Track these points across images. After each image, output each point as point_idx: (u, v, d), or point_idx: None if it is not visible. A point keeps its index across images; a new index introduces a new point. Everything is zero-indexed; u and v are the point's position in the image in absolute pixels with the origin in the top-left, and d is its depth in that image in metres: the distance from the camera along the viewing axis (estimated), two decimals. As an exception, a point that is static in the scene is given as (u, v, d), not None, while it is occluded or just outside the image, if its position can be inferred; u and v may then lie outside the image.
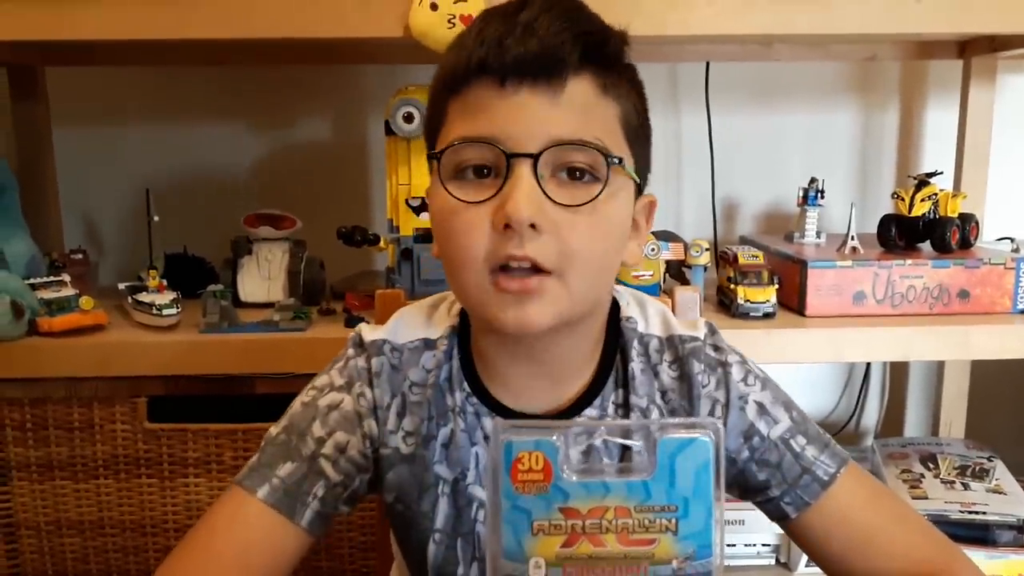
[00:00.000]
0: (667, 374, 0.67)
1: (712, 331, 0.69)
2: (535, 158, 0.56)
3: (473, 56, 0.57)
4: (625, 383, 0.66)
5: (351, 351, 0.68)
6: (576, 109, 0.57)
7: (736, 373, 0.67)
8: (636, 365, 0.66)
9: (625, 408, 0.66)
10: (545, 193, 0.56)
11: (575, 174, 0.57)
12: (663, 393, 0.67)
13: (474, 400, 0.66)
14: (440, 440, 0.65)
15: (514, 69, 0.56)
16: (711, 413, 0.66)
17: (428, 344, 0.67)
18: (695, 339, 0.67)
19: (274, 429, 0.67)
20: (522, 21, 0.56)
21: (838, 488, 0.65)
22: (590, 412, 0.65)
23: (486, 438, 0.65)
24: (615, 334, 0.67)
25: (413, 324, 0.69)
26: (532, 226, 0.55)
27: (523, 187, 0.55)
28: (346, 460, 0.65)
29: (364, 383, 0.66)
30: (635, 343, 0.67)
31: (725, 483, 0.47)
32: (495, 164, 0.57)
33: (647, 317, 0.69)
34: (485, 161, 0.57)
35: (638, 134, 0.62)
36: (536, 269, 0.56)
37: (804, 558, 1.24)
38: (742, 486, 0.68)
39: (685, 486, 0.45)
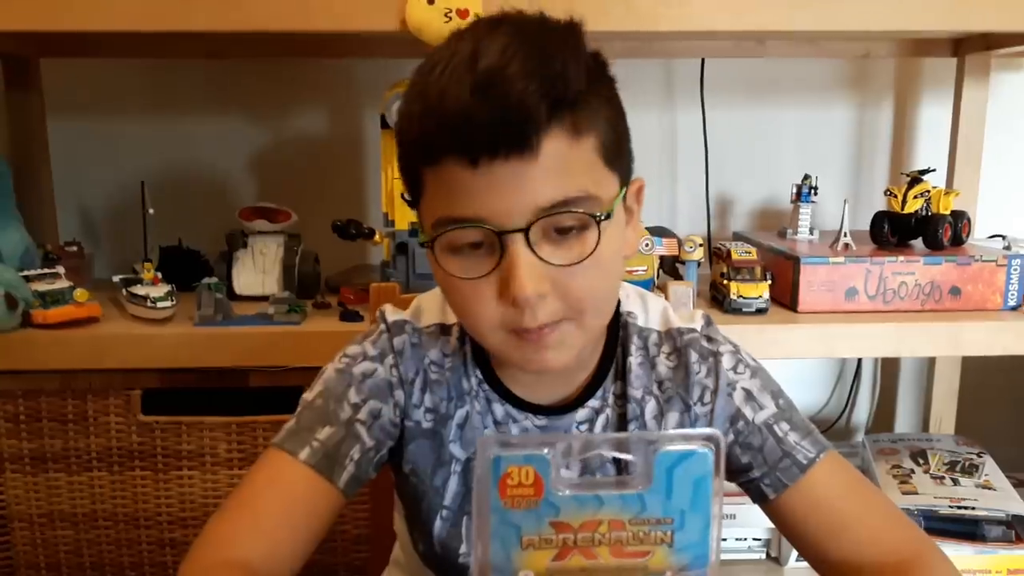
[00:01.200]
0: (664, 365, 0.70)
1: (708, 323, 0.72)
2: (525, 231, 0.56)
3: (440, 135, 0.56)
4: (623, 375, 0.69)
5: (383, 326, 0.71)
6: (553, 168, 0.56)
7: (727, 362, 0.70)
8: (634, 359, 0.69)
9: (622, 399, 0.69)
10: (542, 259, 0.57)
11: (564, 231, 0.58)
12: (660, 383, 0.70)
13: (486, 387, 0.69)
14: (456, 420, 0.69)
15: (485, 146, 0.54)
16: (701, 399, 0.69)
17: (444, 329, 0.70)
18: (692, 330, 0.70)
19: (309, 394, 0.69)
20: (481, 79, 0.54)
21: (816, 472, 0.67)
22: (592, 403, 0.69)
23: (496, 423, 0.69)
24: (617, 328, 0.70)
25: (431, 310, 0.72)
26: (539, 296, 0.57)
27: (521, 264, 0.56)
28: (379, 427, 0.68)
29: (395, 356, 0.69)
30: (635, 337, 0.70)
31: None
32: (488, 240, 0.58)
33: (647, 312, 0.72)
34: (477, 239, 0.58)
35: (618, 148, 0.61)
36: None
37: (795, 552, 1.24)
38: (726, 468, 0.69)
39: (682, 498, 0.44)
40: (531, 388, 0.69)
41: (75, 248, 1.30)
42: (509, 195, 0.56)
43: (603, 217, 0.58)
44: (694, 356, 0.69)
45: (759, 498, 0.70)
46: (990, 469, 1.29)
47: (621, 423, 0.70)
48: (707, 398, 0.69)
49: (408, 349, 0.69)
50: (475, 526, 0.45)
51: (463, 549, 0.70)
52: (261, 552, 0.62)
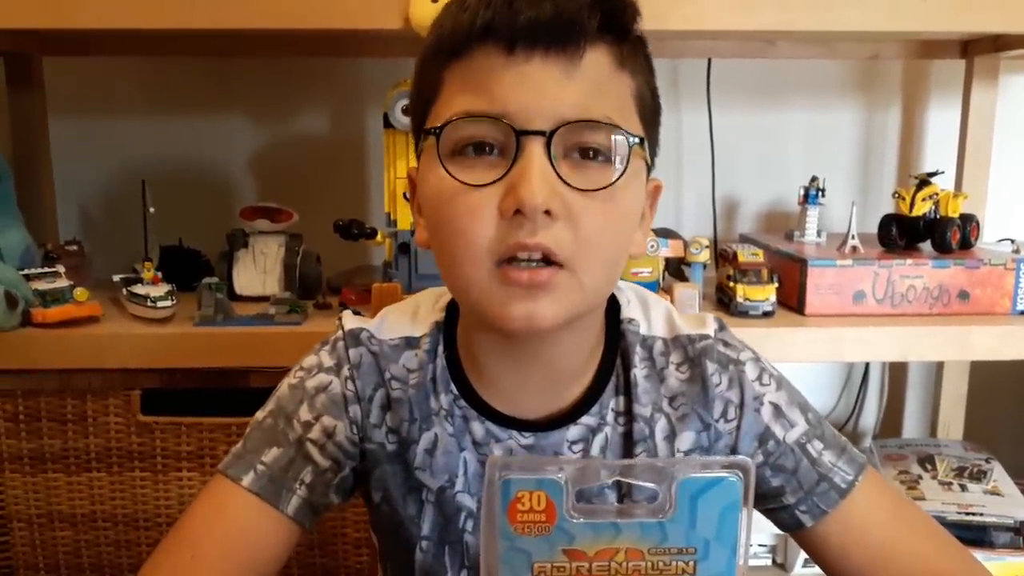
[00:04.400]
0: (675, 377, 0.63)
1: (721, 327, 0.65)
2: (548, 136, 0.51)
3: (479, 18, 0.51)
4: (627, 390, 0.62)
5: (339, 333, 0.65)
6: (592, 83, 0.52)
7: (750, 371, 0.63)
8: (639, 371, 0.62)
9: (627, 416, 0.62)
10: (559, 176, 0.51)
11: (588, 154, 0.52)
12: (671, 399, 0.62)
13: (462, 403, 0.62)
14: (423, 445, 0.62)
15: (525, 34, 0.50)
16: (724, 415, 0.62)
17: (410, 343, 0.63)
18: (704, 336, 0.63)
19: (260, 413, 0.64)
20: None
21: (857, 496, 0.62)
22: (587, 420, 0.61)
23: (475, 444, 0.62)
24: (615, 336, 0.63)
25: (397, 322, 0.65)
26: (546, 212, 0.50)
27: (536, 169, 0.50)
28: (334, 445, 0.62)
29: (351, 368, 0.63)
30: (637, 347, 0.62)
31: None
32: (500, 141, 0.52)
33: (650, 318, 0.64)
34: (488, 138, 0.52)
35: (652, 113, 0.58)
36: (546, 261, 0.52)
37: (801, 558, 1.23)
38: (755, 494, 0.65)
39: (707, 527, 0.41)
40: (515, 401, 0.61)
41: (75, 247, 1.29)
42: (539, 94, 0.51)
43: (635, 141, 0.53)
44: (711, 367, 0.62)
45: (793, 526, 0.64)
46: (998, 475, 1.28)
47: (626, 443, 0.62)
48: (731, 413, 0.62)
49: (366, 362, 0.62)
50: (483, 553, 0.42)
51: None
52: None
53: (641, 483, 0.42)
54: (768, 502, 0.64)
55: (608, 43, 0.54)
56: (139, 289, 1.12)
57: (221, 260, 1.26)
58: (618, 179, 0.52)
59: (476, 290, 0.53)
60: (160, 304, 1.10)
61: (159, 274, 1.16)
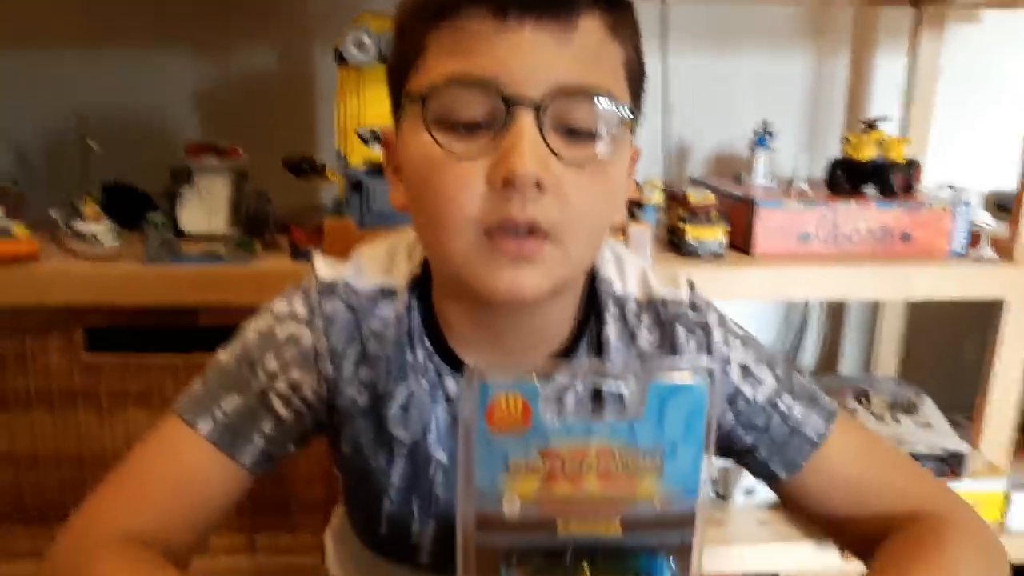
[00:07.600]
0: (646, 339, 0.63)
1: (691, 286, 0.65)
2: (540, 107, 0.50)
3: None
4: (599, 349, 0.62)
5: (314, 282, 0.62)
6: (586, 52, 0.51)
7: (717, 335, 0.63)
8: (611, 330, 0.62)
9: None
10: (550, 148, 0.50)
11: (573, 133, 0.51)
12: (641, 360, 0.63)
13: (436, 359, 0.61)
14: (398, 401, 0.61)
15: (518, 1, 0.49)
16: None
17: (386, 293, 0.62)
18: (678, 300, 0.63)
19: (223, 354, 0.61)
20: None
21: (829, 445, 0.62)
22: (559, 377, 0.61)
23: (448, 399, 0.61)
24: (591, 293, 0.63)
25: (372, 268, 0.63)
26: (536, 185, 0.50)
27: (527, 139, 0.49)
28: (299, 399, 0.61)
29: (325, 322, 0.61)
30: (610, 306, 0.62)
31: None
32: (490, 113, 0.50)
33: (624, 276, 0.64)
34: (478, 113, 0.50)
35: (638, 80, 0.57)
36: (532, 231, 0.51)
37: (741, 488, 1.28)
38: (727, 448, 0.65)
39: (675, 429, 0.43)
40: (489, 359, 0.60)
41: (9, 185, 1.24)
42: (531, 60, 0.50)
43: (628, 115, 0.53)
44: (682, 332, 0.62)
45: (768, 478, 0.65)
46: (928, 409, 1.34)
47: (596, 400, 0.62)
48: None
49: (342, 316, 0.61)
50: (461, 459, 0.43)
51: (415, 528, 0.64)
52: (150, 525, 0.55)
53: (614, 380, 0.44)
54: (742, 457, 0.65)
55: (602, 10, 0.52)
56: (81, 227, 1.09)
57: (165, 197, 1.22)
58: (607, 152, 0.52)
59: (460, 259, 0.53)
60: (104, 242, 1.07)
61: (101, 211, 1.12)
